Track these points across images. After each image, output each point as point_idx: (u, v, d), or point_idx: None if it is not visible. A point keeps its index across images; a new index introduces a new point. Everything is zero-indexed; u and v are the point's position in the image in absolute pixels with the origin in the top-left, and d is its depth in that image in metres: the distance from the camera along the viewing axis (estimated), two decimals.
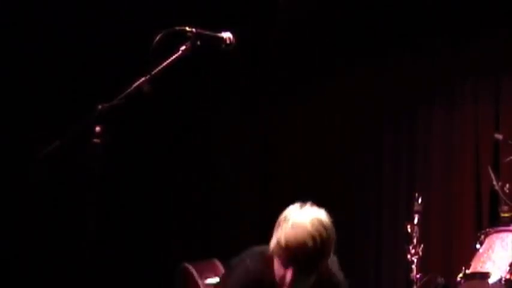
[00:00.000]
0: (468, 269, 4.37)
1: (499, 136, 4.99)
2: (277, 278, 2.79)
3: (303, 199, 2.87)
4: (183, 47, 2.82)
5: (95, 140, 2.64)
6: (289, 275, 2.74)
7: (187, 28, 2.82)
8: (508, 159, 4.81)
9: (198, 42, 2.83)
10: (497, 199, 4.89)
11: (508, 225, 4.52)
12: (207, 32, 2.87)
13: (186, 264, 4.11)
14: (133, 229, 5.65)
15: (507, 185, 4.66)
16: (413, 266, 4.66)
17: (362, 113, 6.03)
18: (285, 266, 2.74)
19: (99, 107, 2.68)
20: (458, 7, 5.57)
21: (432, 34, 5.74)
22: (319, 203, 3.02)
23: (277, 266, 2.79)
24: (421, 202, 4.77)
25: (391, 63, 5.96)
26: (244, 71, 6.19)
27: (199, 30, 2.84)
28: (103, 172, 2.65)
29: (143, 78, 2.73)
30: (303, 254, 2.70)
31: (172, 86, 3.40)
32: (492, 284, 4.24)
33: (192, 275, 4.03)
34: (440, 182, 5.80)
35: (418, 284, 4.64)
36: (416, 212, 4.75)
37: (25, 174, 4.94)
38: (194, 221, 6.19)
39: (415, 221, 4.72)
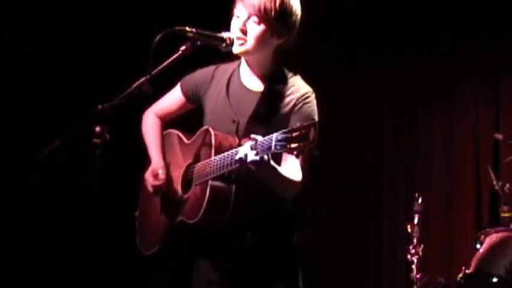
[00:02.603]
0: (468, 269, 4.37)
1: (499, 136, 4.99)
2: (234, 34, 2.91)
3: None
4: (183, 47, 2.82)
5: (95, 140, 2.65)
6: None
7: (187, 28, 2.82)
8: (508, 159, 4.81)
9: (198, 42, 2.83)
10: (497, 199, 4.89)
11: (508, 225, 4.52)
12: (207, 32, 2.88)
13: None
14: (133, 229, 5.63)
15: (507, 185, 4.65)
16: (413, 266, 4.66)
17: (362, 113, 6.03)
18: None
19: (99, 107, 2.68)
20: (458, 7, 5.57)
21: (432, 34, 5.74)
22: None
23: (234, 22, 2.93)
24: (421, 202, 4.77)
25: (391, 63, 5.95)
26: None
27: (199, 30, 2.84)
28: (103, 172, 2.65)
29: (143, 78, 2.74)
30: None
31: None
32: (492, 284, 4.24)
33: None
34: (440, 182, 5.80)
35: (418, 284, 4.64)
36: (416, 212, 4.75)
37: (25, 174, 4.94)
38: None
39: (415, 221, 4.72)
